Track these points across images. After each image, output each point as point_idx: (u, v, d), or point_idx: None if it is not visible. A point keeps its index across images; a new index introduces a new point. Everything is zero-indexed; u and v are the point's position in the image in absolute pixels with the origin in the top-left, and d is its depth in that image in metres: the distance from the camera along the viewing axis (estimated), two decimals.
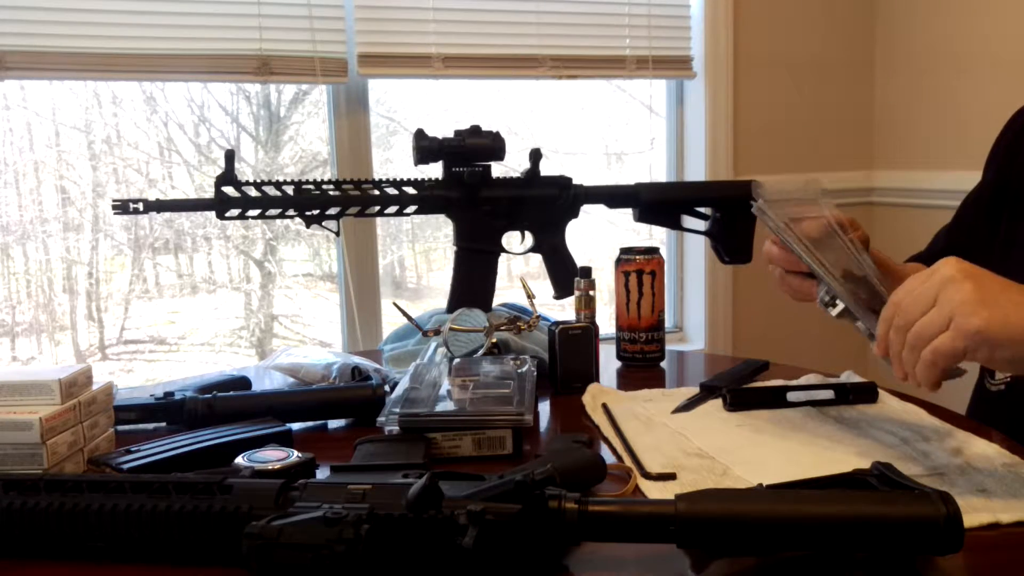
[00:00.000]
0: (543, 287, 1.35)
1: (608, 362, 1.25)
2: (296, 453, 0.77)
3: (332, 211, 1.24)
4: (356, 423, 1.00)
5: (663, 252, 1.28)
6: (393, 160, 2.46)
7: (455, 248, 1.32)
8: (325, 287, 2.48)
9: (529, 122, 2.54)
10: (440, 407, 0.89)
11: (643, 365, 1.26)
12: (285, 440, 0.87)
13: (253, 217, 1.23)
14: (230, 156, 1.21)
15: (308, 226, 1.24)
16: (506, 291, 1.92)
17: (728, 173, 2.45)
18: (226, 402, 0.97)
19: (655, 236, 2.47)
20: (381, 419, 0.86)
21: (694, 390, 1.07)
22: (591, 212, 1.38)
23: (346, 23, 2.06)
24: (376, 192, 1.26)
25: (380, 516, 0.58)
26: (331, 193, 1.24)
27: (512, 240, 1.34)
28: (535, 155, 1.31)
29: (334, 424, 1.01)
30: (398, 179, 1.27)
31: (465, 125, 1.28)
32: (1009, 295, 0.68)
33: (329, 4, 2.04)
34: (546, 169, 1.32)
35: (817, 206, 0.89)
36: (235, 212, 1.21)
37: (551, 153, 2.47)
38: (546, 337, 1.14)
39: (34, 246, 2.19)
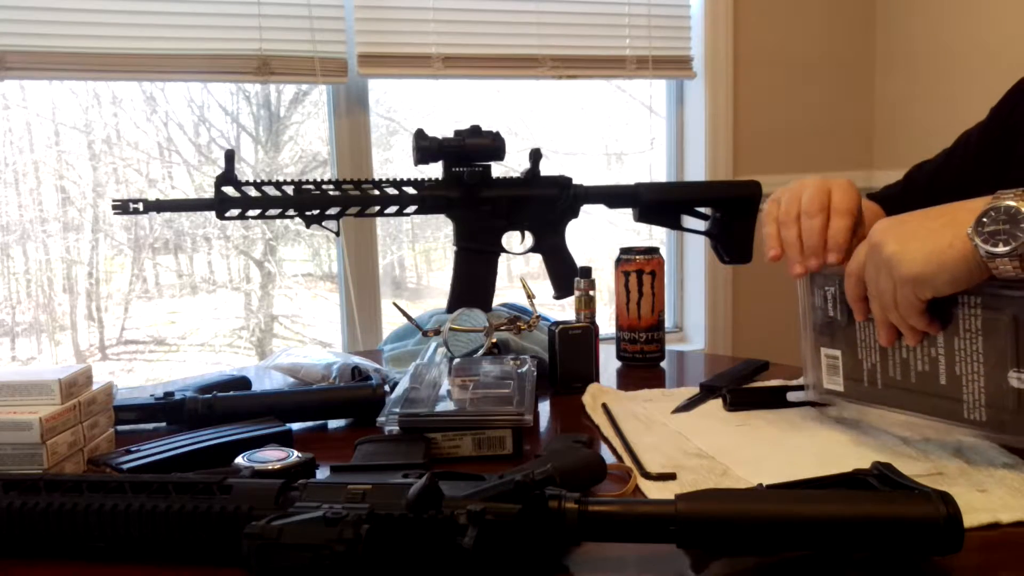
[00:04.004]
0: (543, 287, 1.35)
1: (608, 362, 1.25)
2: (296, 453, 0.77)
3: (332, 211, 1.24)
4: (356, 423, 1.00)
5: (663, 252, 1.28)
6: (393, 160, 2.47)
7: (455, 248, 1.32)
8: (325, 287, 2.48)
9: (529, 122, 2.54)
10: (440, 407, 0.89)
11: (643, 365, 1.26)
12: (285, 440, 0.87)
13: (253, 217, 1.23)
14: (230, 156, 1.21)
15: (308, 226, 1.24)
16: (506, 291, 1.92)
17: (728, 173, 2.45)
18: (226, 402, 0.97)
19: (655, 236, 2.47)
20: (381, 419, 0.86)
21: (694, 390, 1.07)
22: (591, 212, 1.38)
23: (346, 23, 2.06)
24: (376, 192, 1.26)
25: (380, 516, 0.58)
26: (331, 193, 1.24)
27: (512, 240, 1.34)
28: (535, 155, 1.31)
29: (334, 424, 1.00)
30: (398, 179, 1.27)
31: (465, 125, 1.28)
32: (926, 226, 0.73)
33: (329, 4, 2.04)
34: (546, 169, 1.32)
35: None
36: (235, 212, 1.21)
37: (551, 153, 2.47)
38: (546, 337, 1.14)
39: (34, 246, 2.19)
